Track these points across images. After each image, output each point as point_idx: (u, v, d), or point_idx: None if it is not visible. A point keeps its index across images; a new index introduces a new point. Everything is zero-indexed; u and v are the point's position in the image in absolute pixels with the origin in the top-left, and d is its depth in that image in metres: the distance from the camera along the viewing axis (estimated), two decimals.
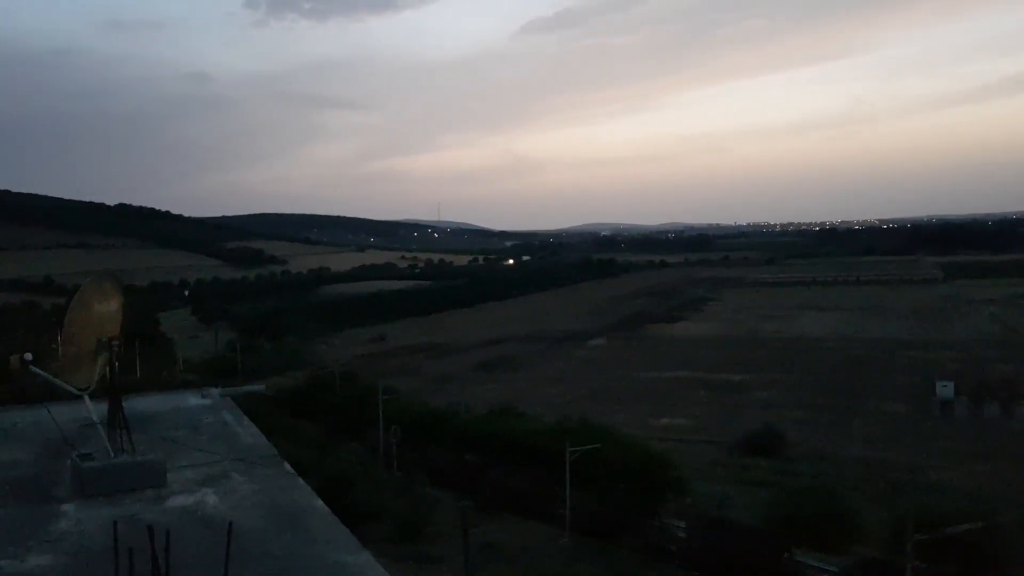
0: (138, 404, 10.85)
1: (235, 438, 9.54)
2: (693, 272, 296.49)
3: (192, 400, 11.77)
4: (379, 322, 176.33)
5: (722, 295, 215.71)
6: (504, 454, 50.95)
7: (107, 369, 8.07)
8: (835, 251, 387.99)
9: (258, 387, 14.87)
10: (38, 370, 7.94)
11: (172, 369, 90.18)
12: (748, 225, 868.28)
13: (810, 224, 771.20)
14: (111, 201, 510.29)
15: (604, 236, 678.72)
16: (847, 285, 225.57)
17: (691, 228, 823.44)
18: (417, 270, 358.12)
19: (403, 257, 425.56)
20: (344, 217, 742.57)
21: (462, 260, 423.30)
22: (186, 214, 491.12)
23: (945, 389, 79.18)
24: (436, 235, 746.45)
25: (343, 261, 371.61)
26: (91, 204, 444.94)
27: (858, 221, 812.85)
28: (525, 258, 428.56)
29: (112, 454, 7.74)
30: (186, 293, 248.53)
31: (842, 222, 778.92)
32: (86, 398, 8.18)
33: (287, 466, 8.46)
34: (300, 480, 8.06)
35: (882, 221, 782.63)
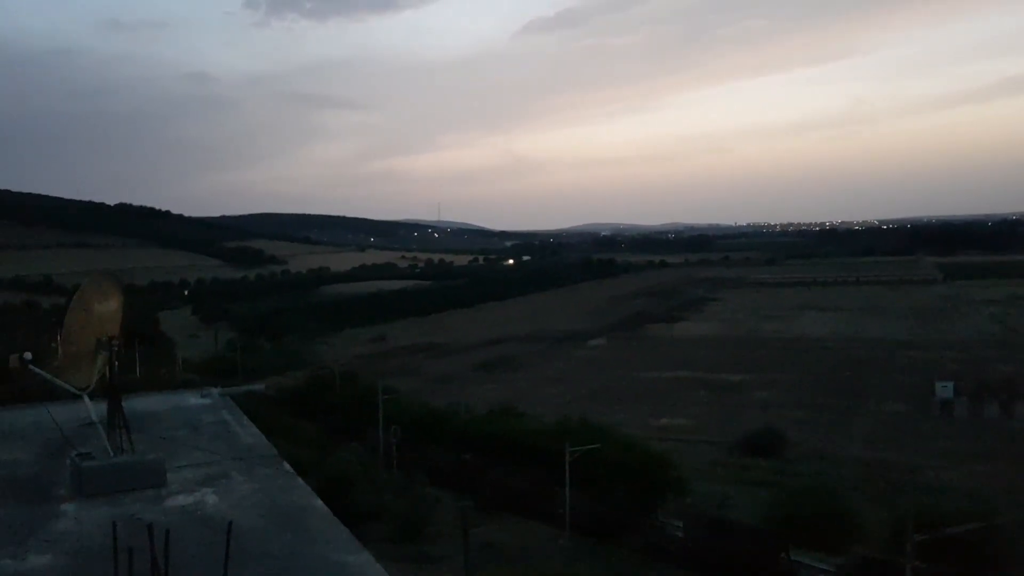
0: (138, 404, 10.86)
1: (235, 438, 9.54)
2: (693, 272, 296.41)
3: (192, 400, 11.79)
4: (379, 322, 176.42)
5: (722, 295, 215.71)
6: (504, 454, 50.93)
7: (107, 369, 8.07)
8: (835, 251, 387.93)
9: (258, 387, 14.92)
10: (38, 369, 7.94)
11: (172, 369, 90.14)
12: (748, 225, 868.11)
13: (810, 224, 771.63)
14: (111, 201, 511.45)
15: (604, 236, 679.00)
16: (847, 285, 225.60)
17: (691, 228, 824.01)
18: (417, 270, 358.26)
19: (403, 257, 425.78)
20: (344, 217, 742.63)
21: (462, 260, 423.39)
22: (186, 214, 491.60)
23: (945, 389, 79.21)
24: (436, 235, 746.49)
25: (343, 261, 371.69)
26: (91, 204, 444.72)
27: (858, 221, 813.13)
28: (525, 258, 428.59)
29: (112, 454, 7.75)
30: (186, 293, 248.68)
31: (842, 222, 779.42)
32: (86, 398, 8.18)
33: (287, 466, 8.47)
34: (300, 480, 8.07)
35: (882, 221, 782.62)
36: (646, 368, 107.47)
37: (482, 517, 43.42)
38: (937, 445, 64.35)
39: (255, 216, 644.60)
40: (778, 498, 42.02)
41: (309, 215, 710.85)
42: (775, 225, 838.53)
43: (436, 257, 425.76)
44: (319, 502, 7.40)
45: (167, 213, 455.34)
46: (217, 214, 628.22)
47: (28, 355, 7.86)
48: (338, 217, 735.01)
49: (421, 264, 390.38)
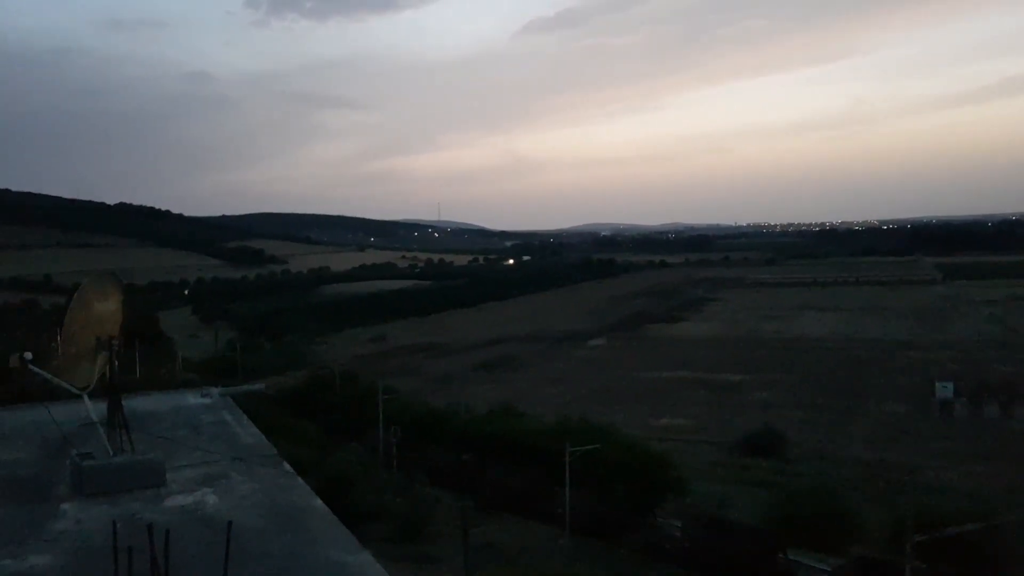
0: (138, 404, 10.86)
1: (235, 438, 9.54)
2: (693, 272, 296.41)
3: (192, 400, 11.79)
4: (379, 322, 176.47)
5: (722, 295, 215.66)
6: (504, 454, 50.89)
7: (107, 368, 8.07)
8: (835, 251, 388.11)
9: (258, 387, 14.90)
10: (38, 369, 7.94)
11: (172, 369, 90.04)
12: (748, 225, 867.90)
13: (810, 224, 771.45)
14: (111, 200, 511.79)
15: (604, 236, 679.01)
16: (847, 286, 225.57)
17: (691, 228, 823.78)
18: (417, 270, 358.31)
19: (403, 257, 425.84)
20: (344, 217, 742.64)
21: (462, 260, 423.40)
22: (186, 213, 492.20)
23: (945, 389, 79.21)
24: (436, 235, 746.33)
25: (343, 261, 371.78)
26: (91, 203, 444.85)
27: (858, 221, 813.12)
28: (525, 258, 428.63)
29: (112, 453, 7.74)
30: (186, 293, 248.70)
31: (842, 222, 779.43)
32: (86, 397, 8.18)
33: (287, 466, 8.47)
34: (300, 480, 8.07)
35: (882, 221, 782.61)
36: (646, 368, 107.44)
37: (482, 517, 43.42)
38: (937, 445, 64.35)
39: (255, 216, 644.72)
40: (778, 498, 41.98)
41: (309, 215, 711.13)
42: (775, 225, 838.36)
43: (436, 257, 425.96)
44: (319, 502, 7.40)
45: (167, 213, 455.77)
46: (217, 214, 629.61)
47: (28, 355, 7.86)
48: (338, 217, 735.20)
49: (421, 264, 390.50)
